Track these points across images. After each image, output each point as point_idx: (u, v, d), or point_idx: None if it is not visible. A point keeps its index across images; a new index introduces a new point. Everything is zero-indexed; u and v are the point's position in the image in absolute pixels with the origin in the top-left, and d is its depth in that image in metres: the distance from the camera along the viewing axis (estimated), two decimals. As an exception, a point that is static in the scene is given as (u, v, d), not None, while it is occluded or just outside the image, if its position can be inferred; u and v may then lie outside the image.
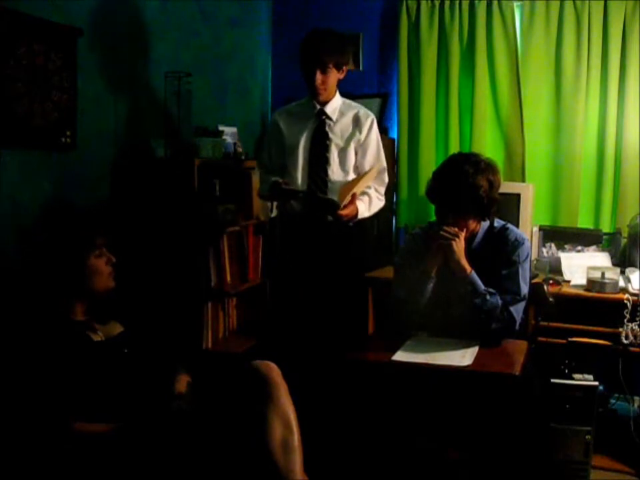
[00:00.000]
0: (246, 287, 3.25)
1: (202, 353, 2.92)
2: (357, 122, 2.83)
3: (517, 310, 2.29)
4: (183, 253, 2.84)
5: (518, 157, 3.53)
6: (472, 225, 2.35)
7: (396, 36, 3.70)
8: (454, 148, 3.65)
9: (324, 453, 2.14)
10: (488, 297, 2.25)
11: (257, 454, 1.86)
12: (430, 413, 2.04)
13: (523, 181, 3.49)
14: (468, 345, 2.20)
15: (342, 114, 2.84)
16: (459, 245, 2.28)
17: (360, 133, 2.82)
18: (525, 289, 2.32)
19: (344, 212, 2.66)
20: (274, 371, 1.95)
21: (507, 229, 2.41)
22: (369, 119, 2.85)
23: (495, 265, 2.33)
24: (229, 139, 3.21)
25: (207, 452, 1.85)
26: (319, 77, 2.72)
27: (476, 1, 3.56)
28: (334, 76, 2.77)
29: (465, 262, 2.28)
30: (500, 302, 2.26)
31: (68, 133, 2.59)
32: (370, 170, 2.80)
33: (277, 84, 4.11)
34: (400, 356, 2.13)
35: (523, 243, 2.36)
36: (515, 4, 3.55)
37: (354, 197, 2.69)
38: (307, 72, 2.75)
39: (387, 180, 2.93)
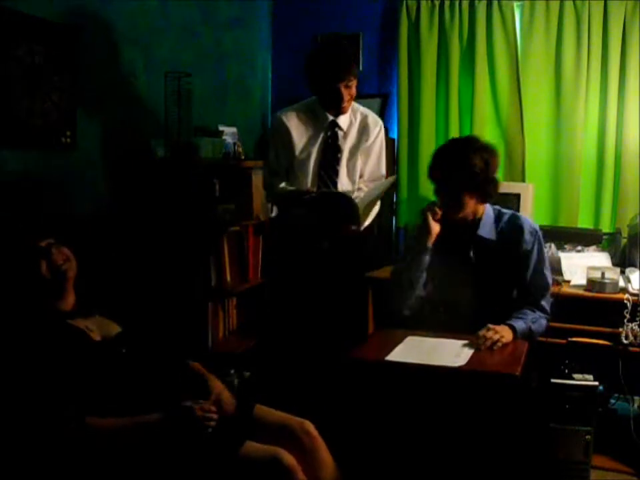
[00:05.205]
0: (246, 287, 3.25)
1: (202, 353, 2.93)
2: (364, 129, 2.80)
3: (548, 301, 2.42)
4: (182, 253, 2.84)
5: (518, 157, 3.53)
6: (470, 205, 2.34)
7: (396, 36, 3.70)
8: (454, 148, 3.66)
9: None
10: (533, 327, 2.31)
11: None
12: (429, 412, 2.04)
13: (523, 180, 3.49)
14: (464, 345, 2.20)
15: (351, 122, 2.80)
16: (506, 339, 2.22)
17: (367, 141, 2.79)
18: (550, 278, 2.45)
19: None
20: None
21: (518, 217, 2.45)
22: (377, 127, 2.82)
23: (510, 255, 2.38)
24: (228, 139, 3.21)
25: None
26: (345, 92, 2.64)
27: (476, 1, 3.56)
28: (354, 87, 2.70)
29: (510, 338, 2.25)
30: (545, 323, 2.37)
31: (68, 133, 2.59)
32: (383, 182, 2.78)
33: (277, 84, 4.11)
34: (394, 356, 2.12)
35: (537, 233, 2.42)
36: (515, 4, 3.55)
37: None
38: (330, 88, 2.63)
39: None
